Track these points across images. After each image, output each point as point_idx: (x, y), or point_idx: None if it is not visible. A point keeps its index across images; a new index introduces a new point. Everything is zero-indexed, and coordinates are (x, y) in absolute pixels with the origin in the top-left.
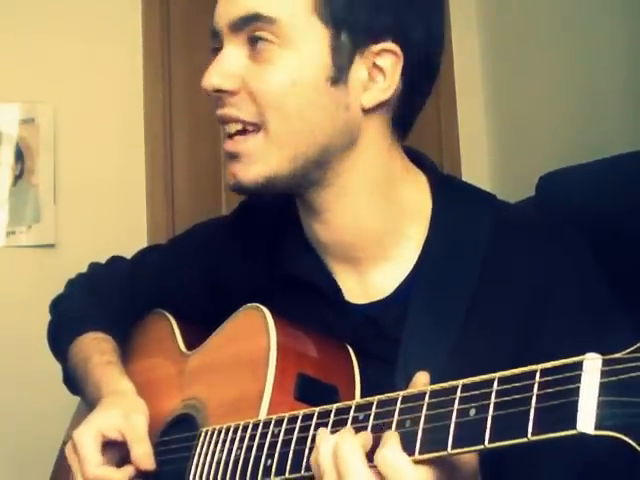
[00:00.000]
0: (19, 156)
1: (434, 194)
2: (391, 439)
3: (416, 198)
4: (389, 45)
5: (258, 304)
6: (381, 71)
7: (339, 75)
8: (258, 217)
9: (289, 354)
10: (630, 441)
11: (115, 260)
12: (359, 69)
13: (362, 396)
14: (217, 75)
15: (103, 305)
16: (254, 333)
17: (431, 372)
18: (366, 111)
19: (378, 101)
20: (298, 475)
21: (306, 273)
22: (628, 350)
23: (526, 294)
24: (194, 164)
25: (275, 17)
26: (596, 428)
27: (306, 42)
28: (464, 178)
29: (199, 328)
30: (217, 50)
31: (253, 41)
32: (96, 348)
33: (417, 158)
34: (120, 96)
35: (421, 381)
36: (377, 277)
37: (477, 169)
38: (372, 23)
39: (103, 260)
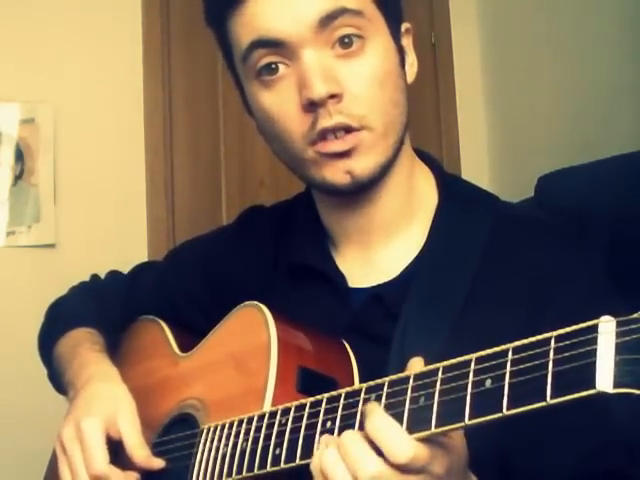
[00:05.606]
0: (19, 156)
1: (440, 188)
2: (374, 408)
3: (425, 187)
4: (406, 24)
5: (255, 301)
6: (404, 49)
7: (402, 58)
8: (261, 220)
9: (289, 348)
10: None
11: (113, 274)
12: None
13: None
14: (322, 82)
15: (100, 310)
16: (253, 329)
17: (426, 351)
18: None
19: (414, 75)
20: (309, 461)
21: (311, 261)
22: None
23: (528, 284)
24: (194, 164)
25: (360, 9)
26: (615, 386)
27: (379, 32)
28: (464, 178)
29: (191, 332)
30: (276, 65)
31: (342, 39)
32: (88, 339)
33: (422, 155)
34: (120, 96)
35: (415, 367)
36: (385, 260)
37: (477, 169)
38: (401, 7)
39: (102, 259)
